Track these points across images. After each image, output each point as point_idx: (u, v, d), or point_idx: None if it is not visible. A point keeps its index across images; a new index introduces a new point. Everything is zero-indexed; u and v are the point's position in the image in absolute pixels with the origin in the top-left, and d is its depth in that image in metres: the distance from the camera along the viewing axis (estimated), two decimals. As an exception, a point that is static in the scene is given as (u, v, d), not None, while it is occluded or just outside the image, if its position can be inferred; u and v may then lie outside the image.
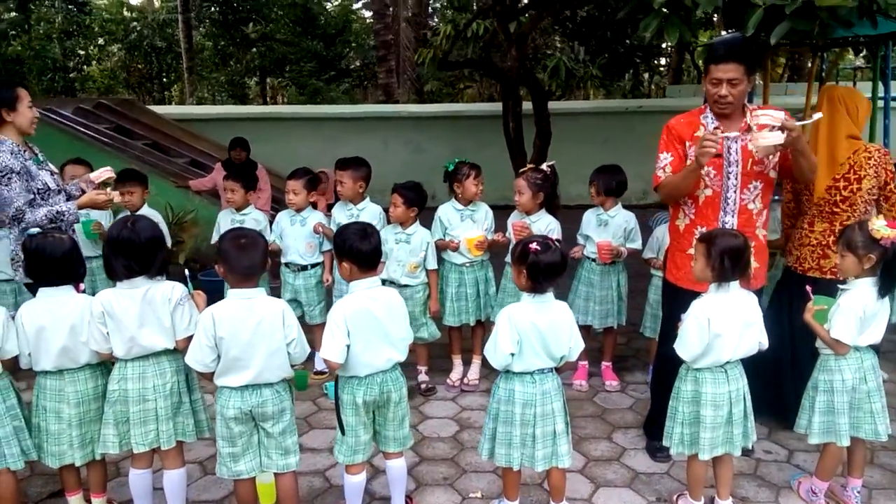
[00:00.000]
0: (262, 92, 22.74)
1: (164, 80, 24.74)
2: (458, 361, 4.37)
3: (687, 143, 3.12)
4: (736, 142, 3.03)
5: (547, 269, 2.69)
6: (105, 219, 4.59)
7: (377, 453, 3.08)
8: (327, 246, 4.32)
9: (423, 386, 4.26)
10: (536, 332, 2.71)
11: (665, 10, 3.37)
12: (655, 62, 17.49)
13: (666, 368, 3.13)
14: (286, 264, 4.37)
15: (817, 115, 3.11)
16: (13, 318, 2.75)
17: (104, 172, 3.58)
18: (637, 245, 4.16)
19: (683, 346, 2.81)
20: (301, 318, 4.23)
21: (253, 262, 2.64)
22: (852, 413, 2.89)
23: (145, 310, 2.68)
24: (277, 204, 6.96)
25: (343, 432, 2.80)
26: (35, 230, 2.78)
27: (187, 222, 6.85)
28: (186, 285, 2.81)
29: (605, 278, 4.16)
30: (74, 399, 2.77)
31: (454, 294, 4.20)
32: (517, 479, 2.90)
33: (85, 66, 23.97)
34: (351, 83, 20.60)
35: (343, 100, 18.10)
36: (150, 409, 2.73)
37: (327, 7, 22.42)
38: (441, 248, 4.18)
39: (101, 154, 7.14)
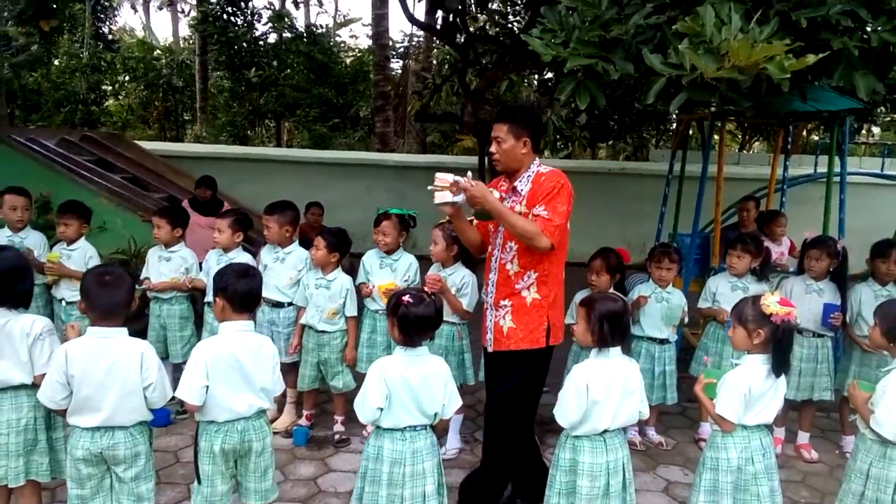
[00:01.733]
0: (277, 135, 23.18)
1: (184, 118, 25.23)
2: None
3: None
4: (506, 202, 3.15)
5: (417, 322, 2.62)
6: (41, 248, 4.58)
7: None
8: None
9: (336, 437, 4.13)
10: (407, 386, 2.62)
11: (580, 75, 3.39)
12: (662, 126, 17.60)
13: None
14: (207, 303, 4.30)
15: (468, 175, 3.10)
16: None
17: None
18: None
19: (561, 413, 2.71)
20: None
21: (115, 300, 2.58)
22: (737, 495, 2.73)
23: (2, 342, 2.63)
24: (249, 243, 6.96)
25: (199, 481, 2.70)
26: None
27: (149, 256, 6.83)
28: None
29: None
30: (-65, 428, 2.70)
31: (367, 340, 4.13)
32: (384, 542, 2.76)
33: (105, 101, 24.58)
34: (364, 132, 20.92)
35: (359, 146, 18.29)
36: (4, 443, 2.66)
37: (343, 58, 22.98)
38: (358, 293, 4.12)
39: (74, 185, 7.19)
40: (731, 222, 6.46)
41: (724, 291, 4.21)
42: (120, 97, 26.24)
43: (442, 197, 2.99)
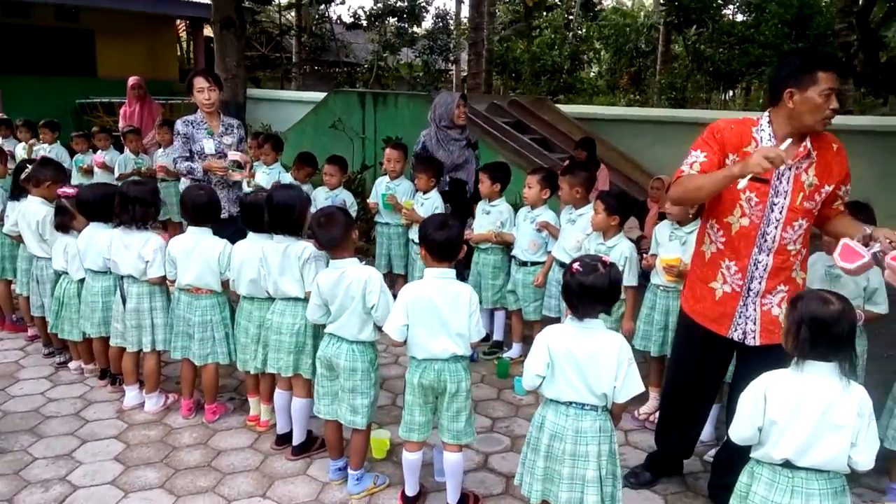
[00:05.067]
0: (731, 96, 21.90)
1: (648, 82, 25.63)
2: (653, 394, 3.94)
3: (730, 155, 2.74)
4: (789, 169, 2.64)
5: (582, 293, 2.42)
6: (408, 195, 5.39)
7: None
8: (552, 246, 4.35)
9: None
10: (571, 359, 2.47)
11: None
12: None
13: (669, 403, 3.18)
14: (513, 256, 4.55)
15: None
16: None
17: (234, 155, 4.53)
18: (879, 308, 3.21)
19: (734, 423, 2.24)
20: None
21: (332, 235, 3.01)
22: None
23: (284, 261, 3.32)
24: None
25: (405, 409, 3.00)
26: (248, 190, 3.69)
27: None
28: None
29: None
30: (257, 321, 3.55)
31: (645, 316, 3.84)
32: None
33: (579, 70, 26.48)
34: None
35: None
36: (283, 340, 3.37)
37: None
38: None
39: (482, 144, 8.09)
40: None
41: None
42: (593, 65, 27.96)
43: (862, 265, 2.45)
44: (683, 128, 9.88)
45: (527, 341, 4.74)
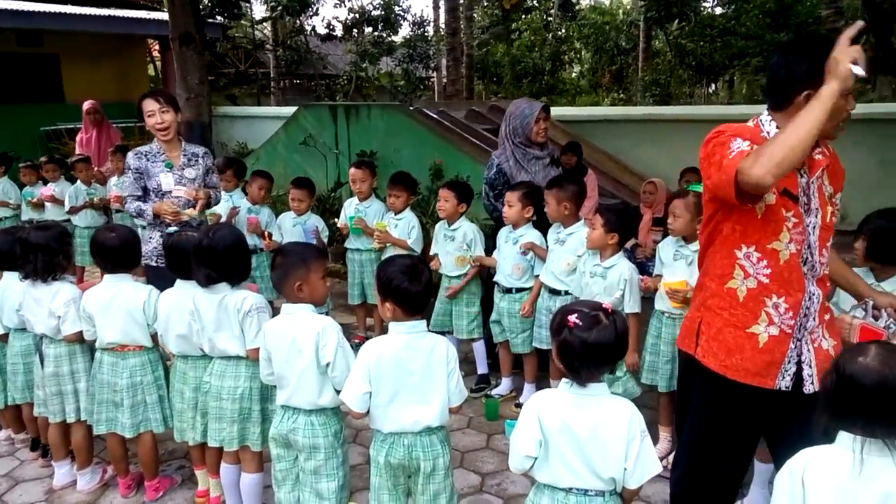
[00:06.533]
0: (714, 90, 21.51)
1: (627, 80, 25.21)
2: (664, 434, 3.42)
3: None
4: (813, 182, 2.17)
5: (586, 352, 1.88)
6: (379, 216, 4.83)
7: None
8: (539, 270, 3.82)
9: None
10: (569, 435, 1.93)
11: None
12: None
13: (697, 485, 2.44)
14: (495, 282, 4.02)
15: None
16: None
17: (178, 191, 3.81)
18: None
19: None
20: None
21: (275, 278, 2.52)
22: None
23: (221, 314, 2.77)
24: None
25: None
26: (172, 229, 3.13)
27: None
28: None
29: None
30: (193, 384, 2.99)
31: (651, 346, 3.36)
32: None
33: (560, 71, 26.05)
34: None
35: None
36: (224, 407, 2.82)
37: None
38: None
39: (459, 154, 7.62)
40: None
41: None
42: (575, 65, 27.57)
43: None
44: (669, 125, 9.40)
45: (518, 375, 4.22)
